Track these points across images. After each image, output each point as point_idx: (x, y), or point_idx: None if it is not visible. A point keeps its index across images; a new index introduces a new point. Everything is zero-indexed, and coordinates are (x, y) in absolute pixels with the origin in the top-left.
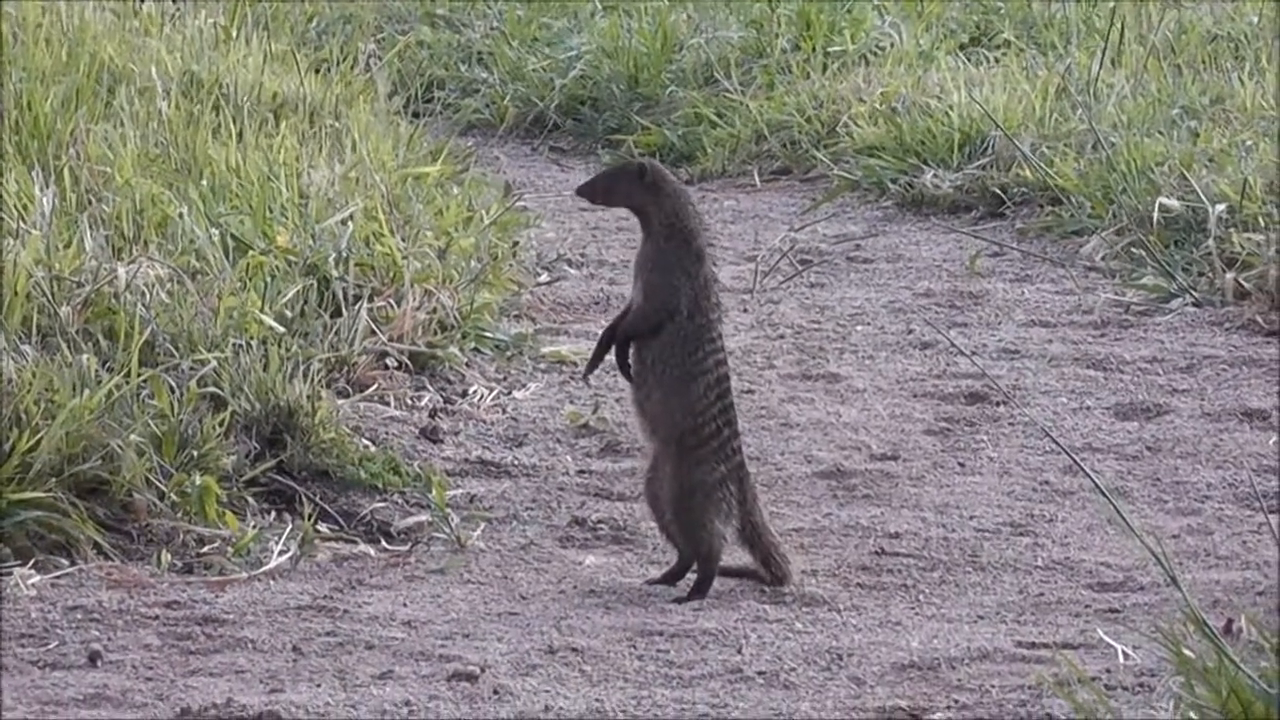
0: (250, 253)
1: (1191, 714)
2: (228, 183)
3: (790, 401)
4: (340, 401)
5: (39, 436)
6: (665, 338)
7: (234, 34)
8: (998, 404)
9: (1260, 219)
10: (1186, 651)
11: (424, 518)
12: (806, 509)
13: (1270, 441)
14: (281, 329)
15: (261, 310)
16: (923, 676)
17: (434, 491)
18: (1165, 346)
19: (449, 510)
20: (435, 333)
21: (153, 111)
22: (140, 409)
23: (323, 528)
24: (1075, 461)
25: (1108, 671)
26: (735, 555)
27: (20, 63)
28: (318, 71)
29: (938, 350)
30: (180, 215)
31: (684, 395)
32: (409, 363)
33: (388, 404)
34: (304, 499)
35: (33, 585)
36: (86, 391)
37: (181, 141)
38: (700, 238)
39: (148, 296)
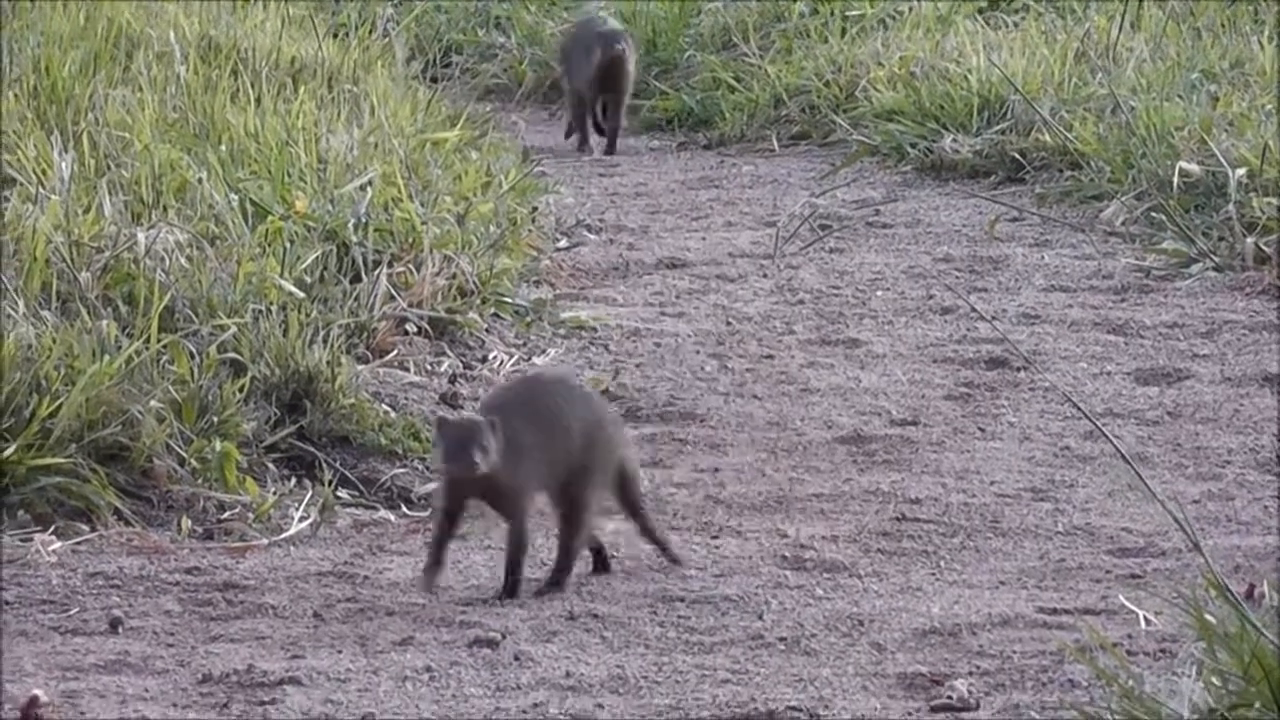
0: (269, 218)
1: (1213, 679)
2: (246, 148)
3: (810, 367)
4: (360, 367)
5: (59, 403)
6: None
7: None
8: (1018, 369)
9: None
10: (1208, 617)
11: None
12: (826, 475)
13: None
14: (301, 294)
15: (281, 276)
16: (944, 642)
17: None
18: (1185, 311)
19: None
20: (455, 298)
21: (171, 76)
22: (160, 375)
23: (343, 494)
24: (1096, 426)
25: (1129, 637)
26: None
27: (38, 27)
28: (336, 36)
29: (957, 315)
30: (199, 180)
31: None
32: (428, 328)
33: (407, 369)
34: (324, 465)
35: (53, 552)
36: (106, 357)
37: (200, 106)
38: None
39: (167, 262)
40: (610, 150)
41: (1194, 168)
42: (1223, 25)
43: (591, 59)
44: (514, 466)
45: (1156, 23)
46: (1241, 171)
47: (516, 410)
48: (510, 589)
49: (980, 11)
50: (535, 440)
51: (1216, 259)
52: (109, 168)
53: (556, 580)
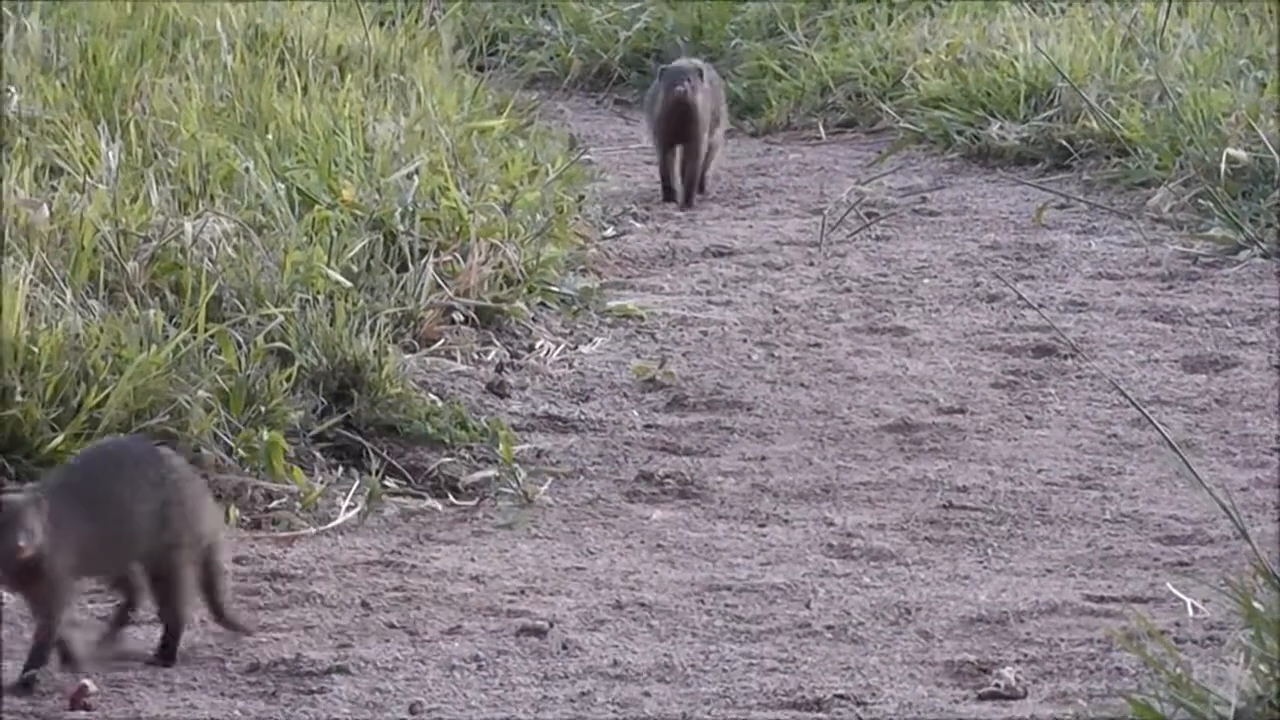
0: (316, 207)
1: (1261, 666)
2: (293, 136)
3: (857, 355)
4: (407, 356)
5: (106, 392)
6: None
7: None
8: (1065, 357)
9: None
10: (1256, 604)
11: (491, 473)
12: (874, 463)
13: None
14: (348, 283)
15: (328, 265)
16: (991, 630)
17: (501, 446)
18: (1233, 298)
19: (516, 465)
20: (501, 287)
21: (218, 65)
22: (207, 364)
23: (390, 483)
24: (1144, 414)
25: (1177, 625)
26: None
27: (85, 16)
28: (382, 24)
29: (1005, 303)
30: (246, 169)
31: None
32: (475, 317)
33: (454, 359)
34: (371, 454)
35: None
36: (154, 347)
37: (246, 95)
38: None
39: (214, 251)
40: (686, 204)
41: (1241, 154)
42: (1270, 11)
43: (657, 102)
44: (54, 553)
45: (1204, 8)
46: None
47: (71, 489)
48: (23, 686)
49: None
50: (85, 525)
51: (1264, 245)
52: (156, 157)
53: (168, 648)
